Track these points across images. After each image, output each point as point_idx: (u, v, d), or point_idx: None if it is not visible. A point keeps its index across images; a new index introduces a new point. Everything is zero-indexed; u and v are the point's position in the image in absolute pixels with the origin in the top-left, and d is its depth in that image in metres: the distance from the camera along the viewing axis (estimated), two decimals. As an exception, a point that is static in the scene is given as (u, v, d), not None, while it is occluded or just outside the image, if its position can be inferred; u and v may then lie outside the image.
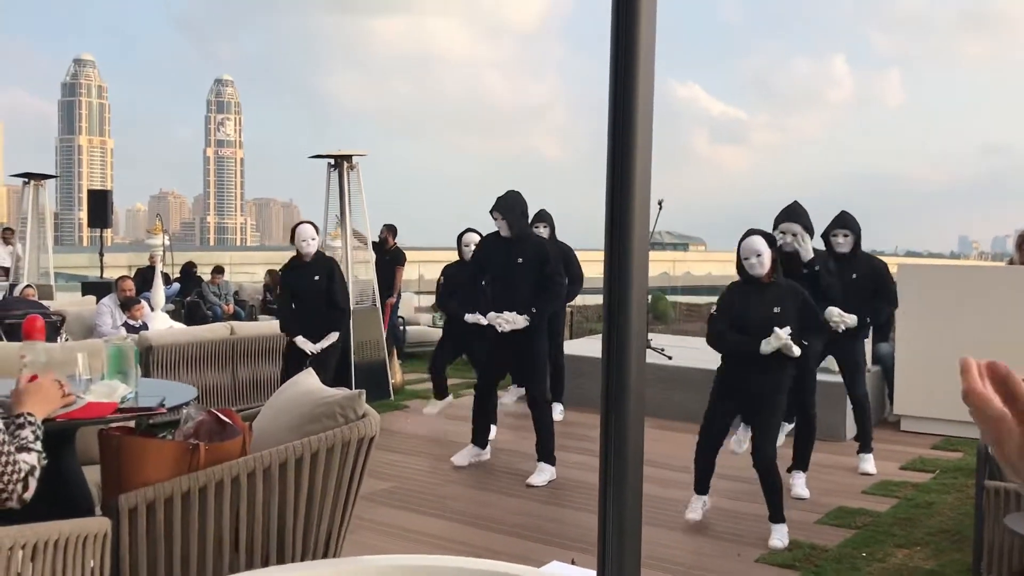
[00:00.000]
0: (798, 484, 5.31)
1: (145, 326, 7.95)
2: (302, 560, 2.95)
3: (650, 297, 13.91)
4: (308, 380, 3.38)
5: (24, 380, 2.67)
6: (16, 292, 10.12)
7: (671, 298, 18.99)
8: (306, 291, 6.37)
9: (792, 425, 5.48)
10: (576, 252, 7.31)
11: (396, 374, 8.56)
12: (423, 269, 20.52)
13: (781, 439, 5.23)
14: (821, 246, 5.71)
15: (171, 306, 10.51)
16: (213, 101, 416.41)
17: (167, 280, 11.08)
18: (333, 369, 6.61)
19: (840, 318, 5.48)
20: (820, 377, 5.52)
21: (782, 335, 4.39)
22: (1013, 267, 7.24)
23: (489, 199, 5.72)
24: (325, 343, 6.37)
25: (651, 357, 7.34)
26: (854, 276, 5.62)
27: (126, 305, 8.04)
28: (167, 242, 13.68)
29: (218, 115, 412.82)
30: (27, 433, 2.36)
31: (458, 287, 6.63)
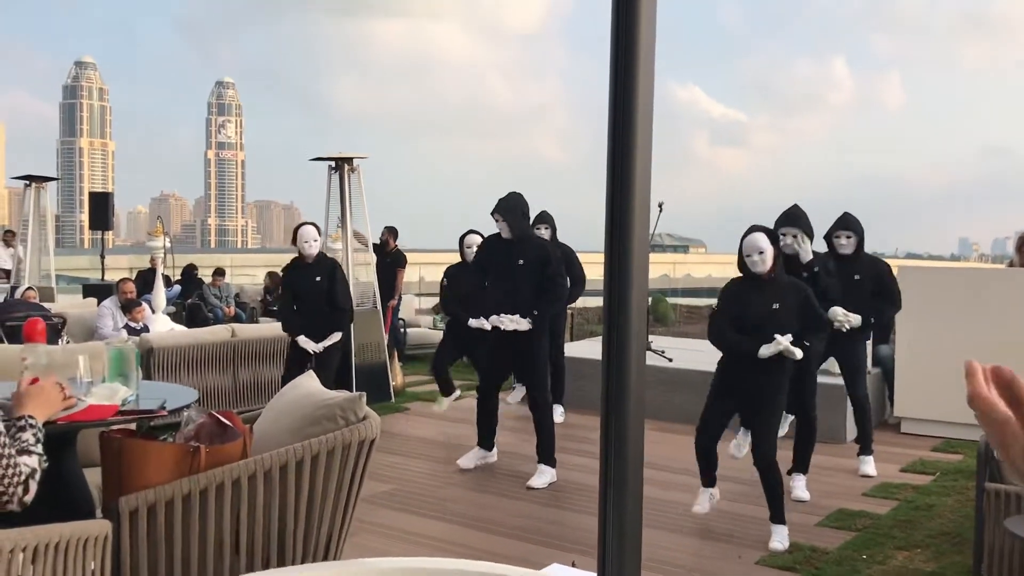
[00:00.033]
0: (798, 486, 5.31)
1: (146, 328, 7.95)
2: (303, 563, 2.95)
3: (650, 299, 13.91)
4: (309, 382, 3.38)
5: (25, 383, 2.67)
6: (17, 294, 10.14)
7: (671, 300, 19.00)
8: (308, 292, 6.38)
9: (792, 417, 5.47)
10: (577, 254, 7.31)
11: (397, 376, 8.56)
12: (424, 271, 20.54)
13: (785, 429, 5.22)
14: (824, 249, 5.71)
15: (172, 308, 10.52)
16: (214, 103, 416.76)
17: (168, 282, 11.09)
18: (335, 369, 6.62)
19: (845, 317, 5.48)
20: (820, 379, 5.52)
21: (782, 341, 4.38)
22: (1013, 269, 7.24)
23: (490, 201, 5.73)
24: (328, 342, 6.38)
25: (651, 359, 7.33)
26: (857, 277, 5.62)
27: (127, 307, 8.04)
28: (168, 244, 13.71)
29: (219, 117, 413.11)
30: (28, 436, 2.36)
31: (462, 289, 6.64)
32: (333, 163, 8.54)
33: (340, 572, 1.84)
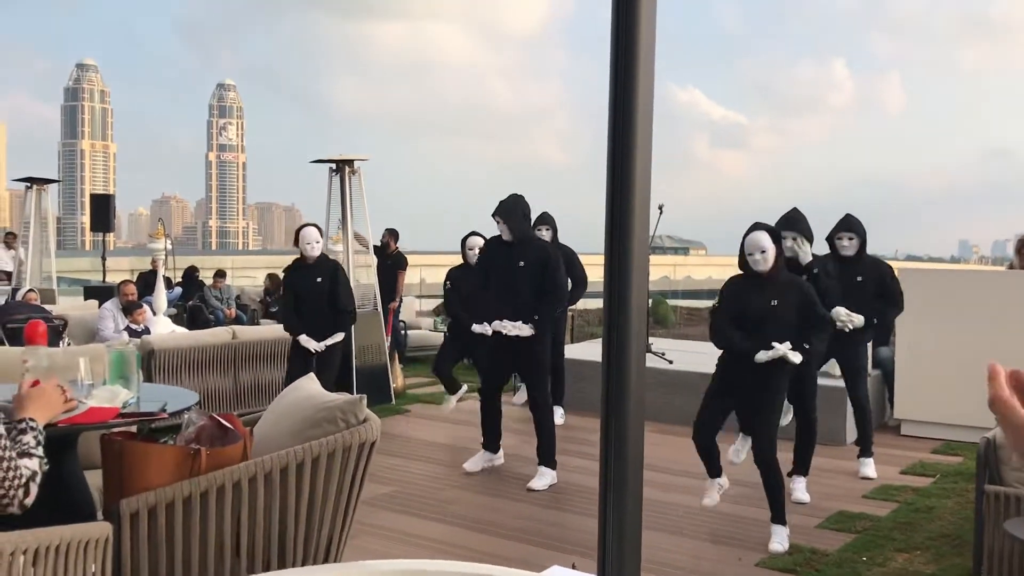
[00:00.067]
0: (799, 488, 5.31)
1: (147, 330, 7.95)
2: (303, 565, 2.95)
3: (650, 301, 13.90)
4: (309, 385, 3.38)
5: (26, 385, 2.68)
6: (18, 296, 10.15)
7: (671, 302, 18.99)
8: (309, 292, 6.39)
9: (793, 408, 5.46)
10: (578, 255, 7.32)
11: (397, 378, 8.57)
12: (425, 273, 20.55)
13: (788, 418, 5.20)
14: (824, 252, 5.71)
15: (173, 310, 10.52)
16: (215, 105, 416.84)
17: (169, 284, 11.10)
18: (337, 369, 6.62)
19: (848, 317, 5.49)
20: (821, 381, 5.51)
21: (780, 348, 4.37)
22: (1013, 271, 7.24)
23: (491, 202, 5.70)
24: (329, 341, 6.38)
25: (651, 361, 7.33)
26: (859, 279, 5.62)
27: (128, 309, 8.04)
28: (169, 246, 13.67)
29: (220, 119, 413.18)
30: (29, 438, 2.36)
31: (464, 291, 6.64)
32: (334, 165, 8.55)
33: (341, 574, 1.84)
